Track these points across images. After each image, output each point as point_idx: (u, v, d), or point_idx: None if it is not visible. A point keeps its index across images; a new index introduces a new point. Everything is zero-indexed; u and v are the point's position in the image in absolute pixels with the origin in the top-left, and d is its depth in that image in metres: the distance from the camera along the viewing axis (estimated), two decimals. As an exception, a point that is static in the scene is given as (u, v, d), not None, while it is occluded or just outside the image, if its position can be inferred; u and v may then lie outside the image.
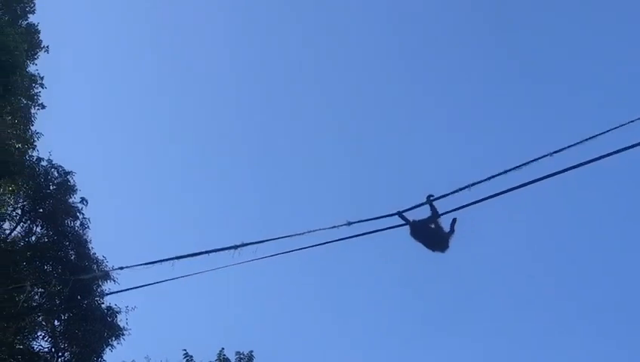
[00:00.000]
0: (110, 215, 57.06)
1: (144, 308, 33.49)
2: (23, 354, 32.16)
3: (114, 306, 32.68)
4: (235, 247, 13.16)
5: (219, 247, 13.36)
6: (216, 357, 29.25)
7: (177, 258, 13.76)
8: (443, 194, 12.24)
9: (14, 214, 32.30)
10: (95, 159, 58.76)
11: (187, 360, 29.23)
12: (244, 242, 13.15)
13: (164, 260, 13.87)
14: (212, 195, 62.44)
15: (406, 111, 59.81)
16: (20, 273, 29.88)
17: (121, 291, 17.11)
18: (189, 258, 13.61)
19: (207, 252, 13.51)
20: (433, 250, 12.97)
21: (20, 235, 32.37)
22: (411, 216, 12.64)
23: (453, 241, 13.02)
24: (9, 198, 30.70)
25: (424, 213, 12.76)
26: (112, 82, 63.18)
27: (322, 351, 54.05)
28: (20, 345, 32.39)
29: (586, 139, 11.12)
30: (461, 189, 11.89)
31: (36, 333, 32.94)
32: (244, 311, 56.49)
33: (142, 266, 14.14)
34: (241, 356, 29.24)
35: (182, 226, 59.17)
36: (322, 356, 53.45)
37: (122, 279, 27.90)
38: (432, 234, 12.87)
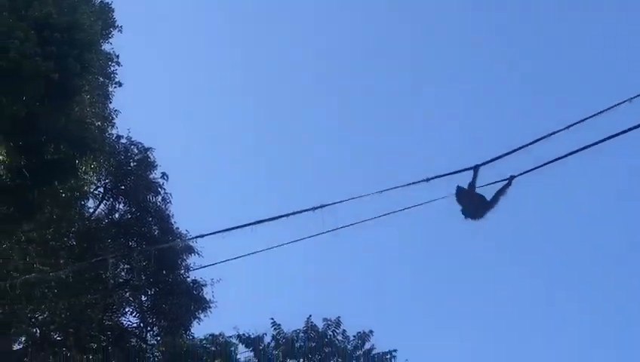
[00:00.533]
0: (190, 189, 57.65)
1: (229, 279, 33.54)
2: (113, 330, 32.70)
3: (199, 279, 32.98)
4: (315, 209, 13.02)
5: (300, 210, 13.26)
6: (304, 324, 29.39)
7: (257, 222, 13.66)
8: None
9: (97, 192, 32.74)
10: (173, 134, 59.18)
11: (275, 328, 29.35)
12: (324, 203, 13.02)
13: (244, 225, 13.78)
14: (291, 162, 62.46)
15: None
16: (105, 250, 30.24)
17: (209, 265, 17.04)
18: (271, 223, 13.53)
19: (287, 215, 13.35)
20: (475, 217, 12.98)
21: (103, 213, 32.80)
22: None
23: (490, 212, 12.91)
24: (91, 176, 31.03)
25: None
26: (185, 63, 63.41)
27: (406, 315, 54.01)
28: (109, 321, 32.97)
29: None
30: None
31: (124, 309, 33.50)
32: (330, 277, 56.66)
33: (224, 236, 14.13)
34: (329, 322, 29.34)
35: (262, 194, 59.49)
36: (406, 320, 53.47)
37: (206, 252, 28.29)
38: (476, 202, 12.92)
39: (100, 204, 32.64)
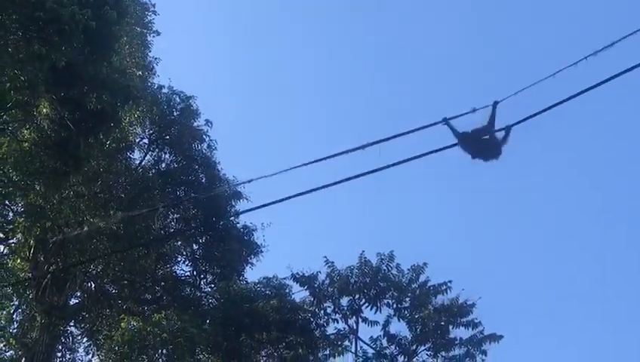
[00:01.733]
0: (235, 135, 57.96)
1: (280, 223, 33.75)
2: (166, 280, 33.02)
3: (249, 224, 33.17)
4: (363, 147, 13.01)
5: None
6: (357, 261, 29.49)
7: (304, 165, 13.68)
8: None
9: (142, 143, 32.89)
10: (213, 81, 59.36)
11: (329, 266, 29.48)
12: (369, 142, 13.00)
13: (292, 168, 13.81)
14: (338, 104, 62.38)
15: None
16: (154, 199, 30.41)
17: (257, 208, 16.94)
18: (318, 164, 13.54)
19: (333, 156, 13.35)
20: (486, 159, 13.04)
21: (149, 164, 32.95)
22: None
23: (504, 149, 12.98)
24: (136, 126, 31.15)
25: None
26: (223, 8, 63.28)
27: (458, 249, 54.29)
28: (162, 271, 33.28)
29: None
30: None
31: (176, 259, 33.79)
32: (380, 214, 56.96)
33: (271, 179, 14.16)
34: (382, 256, 29.40)
35: (308, 137, 59.69)
36: (459, 253, 53.76)
37: (254, 197, 28.35)
38: (483, 142, 12.98)
39: (146, 155, 32.81)
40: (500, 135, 12.89)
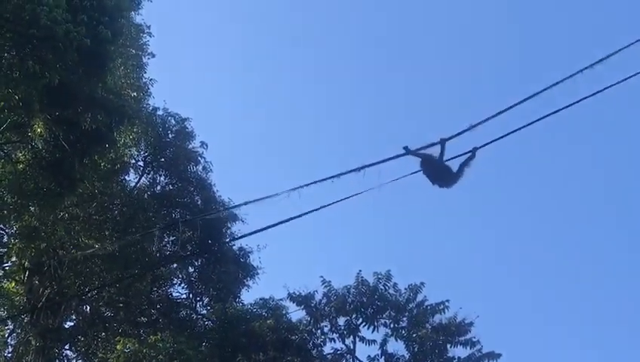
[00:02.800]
0: (230, 157, 58.10)
1: (275, 245, 33.81)
2: (162, 302, 32.95)
3: (245, 246, 33.16)
4: (359, 169, 13.09)
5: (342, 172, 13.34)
6: (354, 280, 29.45)
7: (303, 186, 13.69)
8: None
9: (138, 166, 32.90)
10: (208, 103, 59.52)
11: (325, 285, 29.45)
12: (366, 164, 13.10)
13: (289, 190, 13.78)
14: (326, 124, 62.67)
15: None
16: (149, 221, 30.38)
17: (252, 233, 16.96)
18: (314, 186, 13.63)
19: (331, 177, 13.40)
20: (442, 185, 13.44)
21: (145, 186, 32.94)
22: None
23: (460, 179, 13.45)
24: (131, 147, 31.13)
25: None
26: (214, 27, 63.55)
27: (455, 268, 54.46)
28: (157, 293, 33.22)
29: None
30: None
31: (172, 281, 33.74)
32: (374, 234, 57.13)
33: (268, 202, 14.19)
34: (379, 276, 29.37)
35: (300, 158, 59.90)
36: (456, 272, 53.83)
37: (250, 219, 28.39)
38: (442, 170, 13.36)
39: (141, 177, 32.81)
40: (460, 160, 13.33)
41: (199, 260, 33.23)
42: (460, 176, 13.33)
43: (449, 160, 13.15)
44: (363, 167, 13.06)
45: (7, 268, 32.71)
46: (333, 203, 13.78)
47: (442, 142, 12.97)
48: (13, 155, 26.97)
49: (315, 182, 13.65)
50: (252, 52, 64.23)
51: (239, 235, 32.94)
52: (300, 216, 13.98)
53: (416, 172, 13.13)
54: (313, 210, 13.91)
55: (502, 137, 12.33)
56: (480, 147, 12.92)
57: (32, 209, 27.85)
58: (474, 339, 28.36)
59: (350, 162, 13.31)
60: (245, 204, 16.10)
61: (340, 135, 61.54)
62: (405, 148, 13.07)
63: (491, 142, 12.55)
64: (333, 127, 62.77)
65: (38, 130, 23.50)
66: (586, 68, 11.47)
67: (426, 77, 60.55)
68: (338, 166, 13.38)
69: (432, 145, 13.03)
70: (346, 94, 62.55)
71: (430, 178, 13.28)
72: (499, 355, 28.08)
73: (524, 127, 12.11)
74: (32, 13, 20.02)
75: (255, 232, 16.37)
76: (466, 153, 13.05)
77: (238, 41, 63.37)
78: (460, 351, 28.64)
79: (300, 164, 57.58)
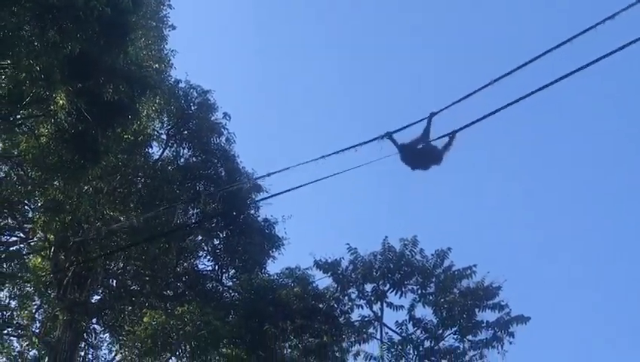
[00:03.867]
0: (253, 127, 58.16)
1: (300, 215, 33.85)
2: (188, 275, 33.05)
3: (270, 217, 33.16)
4: (381, 137, 13.13)
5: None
6: (380, 247, 29.42)
7: (326, 156, 13.77)
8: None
9: (161, 139, 32.97)
10: (230, 73, 59.51)
11: (352, 253, 29.41)
12: (390, 131, 13.13)
13: (312, 160, 13.85)
14: (358, 93, 62.45)
15: None
16: (173, 194, 30.44)
17: (275, 195, 17.02)
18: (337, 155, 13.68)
19: (353, 146, 13.45)
20: (425, 168, 13.49)
21: (168, 159, 32.99)
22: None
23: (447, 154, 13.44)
24: (154, 121, 31.15)
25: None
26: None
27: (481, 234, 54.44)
28: (183, 266, 33.32)
29: None
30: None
31: (198, 253, 33.81)
32: (403, 200, 57.14)
33: (292, 171, 14.29)
34: (406, 242, 29.33)
35: (326, 125, 59.93)
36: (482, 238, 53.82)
37: (274, 189, 28.38)
38: (422, 154, 13.42)
39: (164, 150, 32.84)
40: (443, 141, 13.34)
41: (224, 232, 33.23)
42: (444, 154, 13.39)
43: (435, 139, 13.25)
44: (385, 135, 13.12)
45: (32, 243, 32.93)
46: (353, 168, 13.87)
47: (430, 117, 12.99)
48: (35, 130, 26.97)
49: (337, 152, 13.73)
50: (272, 22, 63.98)
51: (263, 205, 32.88)
52: (320, 179, 14.07)
53: (440, 137, 13.10)
54: (334, 174, 13.99)
55: (493, 113, 12.21)
56: (459, 129, 12.93)
57: (56, 183, 27.93)
58: (502, 303, 28.34)
59: (372, 130, 13.34)
60: (268, 175, 16.53)
61: (362, 103, 61.35)
62: (388, 133, 13.19)
63: (474, 121, 12.40)
64: (355, 96, 62.64)
65: (60, 102, 23.44)
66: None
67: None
68: (360, 134, 13.45)
69: (421, 120, 13.00)
70: (369, 62, 62.24)
71: (410, 164, 13.37)
72: (528, 318, 28.05)
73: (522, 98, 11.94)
74: (52, -18, 20.11)
75: (276, 195, 16.53)
76: (446, 135, 13.15)
77: (259, 10, 63.04)
78: (489, 315, 28.68)
79: (322, 132, 57.51)
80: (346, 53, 62.77)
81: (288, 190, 14.98)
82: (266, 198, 30.67)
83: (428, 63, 60.53)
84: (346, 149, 13.63)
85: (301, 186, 14.57)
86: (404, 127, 13.06)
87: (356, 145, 13.46)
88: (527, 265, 52.32)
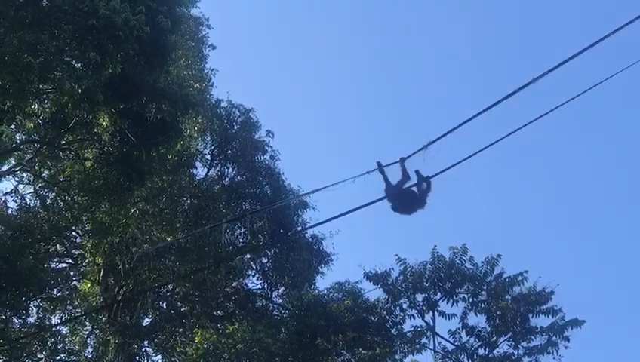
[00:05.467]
0: (296, 144, 58.34)
1: (348, 228, 33.91)
2: (238, 294, 33.21)
3: (318, 233, 33.30)
4: (425, 147, 13.17)
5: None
6: (429, 256, 29.37)
7: (370, 171, 13.87)
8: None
9: (205, 160, 33.28)
10: (271, 92, 59.75)
11: (401, 263, 29.38)
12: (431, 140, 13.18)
13: (357, 176, 13.90)
14: (398, 107, 62.45)
15: None
16: (219, 213, 30.60)
17: (323, 222, 17.22)
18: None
19: (400, 161, 13.57)
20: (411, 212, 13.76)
21: (213, 178, 33.25)
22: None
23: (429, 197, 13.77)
24: (197, 138, 31.38)
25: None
26: (276, 18, 63.63)
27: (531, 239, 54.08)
28: (232, 286, 33.49)
29: None
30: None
31: (246, 272, 33.98)
32: (452, 208, 57.05)
33: (335, 188, 14.35)
34: (455, 250, 29.25)
35: (364, 141, 59.95)
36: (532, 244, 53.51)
37: (320, 205, 28.54)
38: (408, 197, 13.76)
39: (209, 170, 33.16)
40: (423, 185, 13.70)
41: (272, 250, 33.39)
42: (423, 204, 13.74)
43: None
44: (427, 145, 13.17)
45: (82, 269, 33.30)
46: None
47: (402, 161, 13.45)
48: (80, 154, 27.33)
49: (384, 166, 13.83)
50: (312, 36, 64.18)
51: (310, 223, 33.15)
52: (371, 203, 14.08)
53: (483, 149, 13.11)
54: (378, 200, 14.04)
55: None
56: (434, 176, 13.34)
57: (102, 206, 28.19)
58: (556, 308, 28.11)
59: (416, 144, 13.33)
60: (313, 192, 16.69)
61: (404, 119, 61.32)
62: (379, 164, 13.57)
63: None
64: (397, 112, 62.63)
65: (104, 123, 23.76)
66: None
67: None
68: (403, 148, 13.51)
69: (394, 163, 13.52)
70: (412, 76, 62.28)
71: (393, 207, 13.56)
72: (582, 322, 27.83)
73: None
74: (91, 3, 20.34)
75: (323, 222, 16.66)
76: (424, 179, 13.53)
77: (299, 27, 63.34)
78: (542, 320, 28.46)
79: (366, 147, 57.55)
80: (391, 66, 62.84)
81: (340, 215, 14.94)
82: (315, 225, 31.16)
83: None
84: (390, 165, 13.74)
85: (351, 211, 14.52)
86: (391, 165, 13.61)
87: (398, 162, 13.56)
88: (580, 268, 51.94)
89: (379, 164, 13.49)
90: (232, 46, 58.15)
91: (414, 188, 13.83)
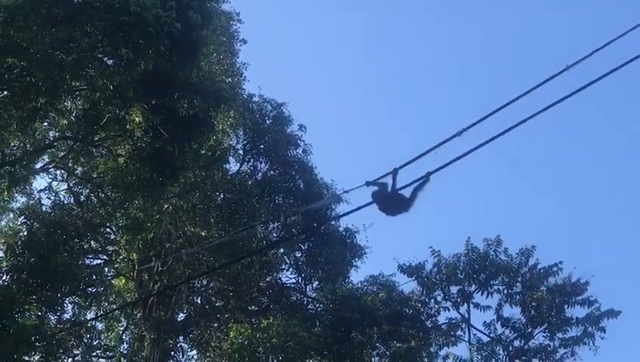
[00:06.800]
0: (329, 138, 58.42)
1: (380, 220, 33.90)
2: (272, 288, 33.41)
3: (351, 227, 33.40)
4: (459, 134, 13.25)
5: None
6: (464, 248, 29.46)
7: (399, 168, 14.01)
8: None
9: (238, 155, 33.50)
10: (304, 85, 59.82)
11: (435, 255, 29.46)
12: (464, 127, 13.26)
13: (389, 173, 14.10)
14: (430, 99, 62.37)
15: None
16: (253, 208, 30.78)
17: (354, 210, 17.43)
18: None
19: (432, 148, 13.65)
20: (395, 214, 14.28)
21: (246, 173, 33.43)
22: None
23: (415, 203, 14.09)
24: (230, 136, 31.56)
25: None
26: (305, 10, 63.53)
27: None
28: (266, 280, 33.69)
29: None
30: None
31: (280, 267, 34.17)
32: (481, 203, 56.97)
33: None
34: (489, 242, 29.31)
35: (401, 132, 59.98)
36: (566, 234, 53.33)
37: (353, 199, 28.55)
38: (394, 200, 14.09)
39: (242, 165, 33.33)
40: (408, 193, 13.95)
41: (306, 244, 33.54)
42: (414, 201, 13.99)
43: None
44: (459, 132, 13.26)
45: (116, 265, 33.63)
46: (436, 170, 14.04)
47: (395, 172, 13.59)
48: (113, 150, 27.62)
49: (414, 160, 13.94)
50: (344, 28, 64.13)
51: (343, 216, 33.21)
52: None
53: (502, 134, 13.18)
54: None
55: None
56: (433, 171, 13.33)
57: (136, 202, 28.49)
58: (591, 298, 28.13)
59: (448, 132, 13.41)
60: (346, 192, 16.87)
61: (432, 111, 61.30)
62: (367, 182, 13.87)
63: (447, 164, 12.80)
64: (426, 103, 62.61)
65: (136, 119, 23.99)
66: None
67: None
68: (433, 138, 13.59)
69: (387, 174, 13.63)
70: (444, 68, 62.19)
71: (384, 210, 13.98)
72: (618, 312, 27.80)
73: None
74: (122, 0, 20.66)
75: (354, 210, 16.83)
76: (420, 178, 13.54)
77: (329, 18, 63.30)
78: (578, 311, 28.51)
79: (396, 139, 57.58)
80: (421, 57, 62.72)
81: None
82: (346, 214, 31.16)
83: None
84: (419, 156, 13.85)
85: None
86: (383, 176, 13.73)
87: (433, 148, 13.64)
88: (615, 259, 51.70)
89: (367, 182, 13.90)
90: (263, 40, 58.18)
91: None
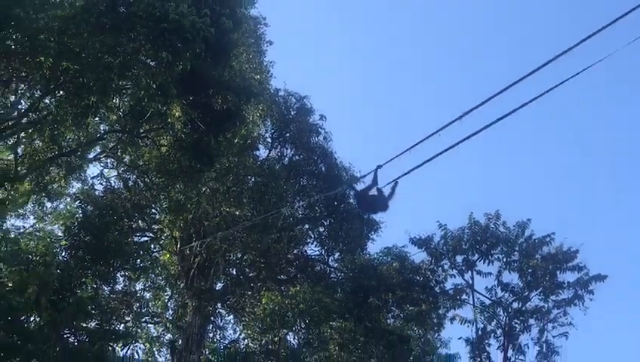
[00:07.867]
0: (346, 125, 58.63)
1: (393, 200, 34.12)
2: (298, 260, 33.70)
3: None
4: (460, 118, 13.33)
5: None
6: (467, 221, 29.78)
7: (410, 148, 14.16)
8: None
9: (267, 141, 33.78)
10: (323, 80, 60.01)
11: (442, 228, 29.81)
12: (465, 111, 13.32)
13: (401, 153, 14.21)
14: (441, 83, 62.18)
15: None
16: (280, 188, 31.12)
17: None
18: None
19: (434, 133, 13.73)
20: (375, 213, 14.49)
21: (274, 158, 33.72)
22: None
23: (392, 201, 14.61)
24: (259, 126, 31.80)
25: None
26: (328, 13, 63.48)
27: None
28: (293, 253, 34.00)
29: None
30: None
31: (306, 241, 34.48)
32: (482, 179, 57.01)
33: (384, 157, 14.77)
34: (489, 216, 29.62)
35: (408, 117, 60.08)
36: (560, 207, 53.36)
37: (367, 180, 28.72)
38: (372, 200, 14.63)
39: (270, 151, 33.61)
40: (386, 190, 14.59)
41: (328, 220, 33.79)
42: (388, 201, 14.64)
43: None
44: (464, 114, 13.35)
45: (161, 242, 34.06)
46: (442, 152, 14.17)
47: (376, 170, 14.16)
48: (156, 141, 28.01)
49: (422, 141, 14.05)
50: (361, 18, 63.95)
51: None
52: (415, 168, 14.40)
53: (502, 117, 13.17)
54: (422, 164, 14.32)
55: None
56: (402, 175, 13.86)
57: (177, 186, 28.89)
58: (581, 265, 28.42)
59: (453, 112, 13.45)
60: (363, 176, 17.14)
61: (447, 94, 61.16)
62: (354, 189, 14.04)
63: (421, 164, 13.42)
64: (442, 89, 62.48)
65: (176, 114, 24.30)
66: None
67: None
68: (446, 117, 13.59)
69: (369, 173, 14.40)
70: (460, 54, 61.91)
71: (363, 210, 14.19)
72: (605, 277, 28.14)
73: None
74: (162, 9, 20.91)
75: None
76: (390, 182, 14.25)
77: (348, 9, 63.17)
78: (569, 276, 28.88)
79: (410, 121, 57.80)
80: (434, 48, 62.59)
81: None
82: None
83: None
84: (426, 138, 13.97)
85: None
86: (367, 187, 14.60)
87: (439, 130, 13.76)
88: (604, 230, 51.73)
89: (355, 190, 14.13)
90: (287, 40, 58.31)
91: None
